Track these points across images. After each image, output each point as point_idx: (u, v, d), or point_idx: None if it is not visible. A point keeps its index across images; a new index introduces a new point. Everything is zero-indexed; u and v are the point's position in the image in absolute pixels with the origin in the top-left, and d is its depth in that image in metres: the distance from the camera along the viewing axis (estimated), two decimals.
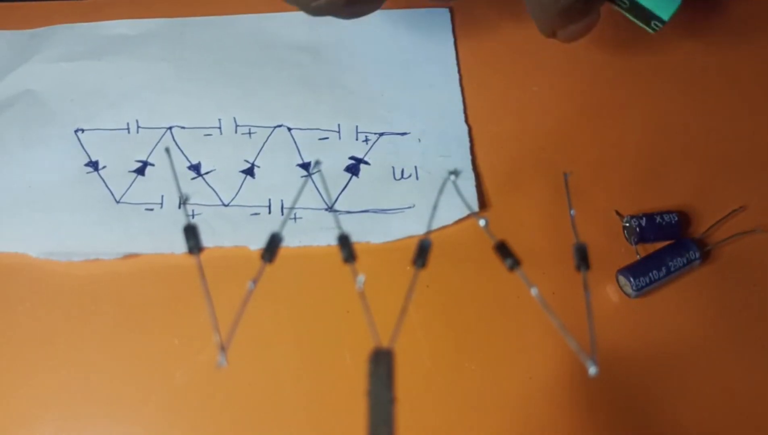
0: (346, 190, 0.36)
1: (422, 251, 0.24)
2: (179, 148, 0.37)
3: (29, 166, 0.36)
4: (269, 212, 0.35)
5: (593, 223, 0.35)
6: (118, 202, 0.35)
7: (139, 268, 0.34)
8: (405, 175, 0.37)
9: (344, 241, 0.24)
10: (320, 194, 0.36)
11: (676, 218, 0.34)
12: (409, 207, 0.36)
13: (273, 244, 0.24)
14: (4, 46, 0.40)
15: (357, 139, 0.37)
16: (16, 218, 0.35)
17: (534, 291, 0.24)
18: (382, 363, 0.21)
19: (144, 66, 0.39)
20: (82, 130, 0.37)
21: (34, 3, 0.41)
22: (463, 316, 0.33)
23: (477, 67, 0.40)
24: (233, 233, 0.35)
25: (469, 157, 0.37)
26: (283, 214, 0.35)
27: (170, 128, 0.37)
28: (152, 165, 0.36)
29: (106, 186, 0.36)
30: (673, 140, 0.38)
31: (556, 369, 0.32)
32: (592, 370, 0.21)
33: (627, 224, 0.35)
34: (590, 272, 0.25)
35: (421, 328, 0.33)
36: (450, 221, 0.35)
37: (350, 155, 0.37)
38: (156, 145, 0.37)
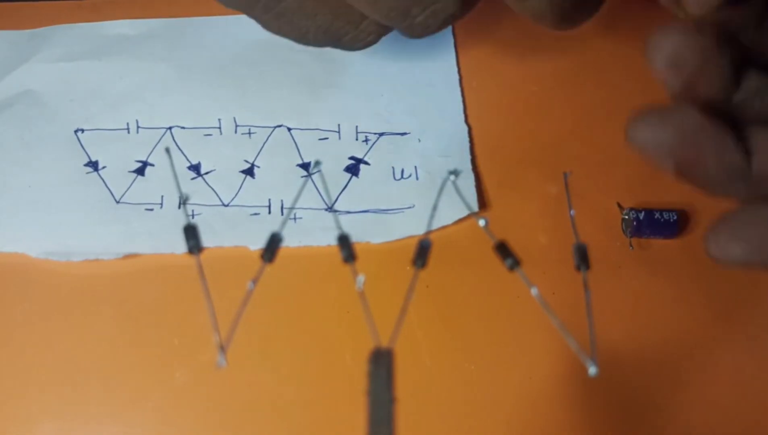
0: (346, 190, 0.36)
1: (422, 251, 0.24)
2: (179, 148, 0.37)
3: (29, 166, 0.36)
4: (269, 212, 0.35)
5: (593, 222, 0.36)
6: (117, 202, 0.35)
7: (139, 268, 0.34)
8: (405, 175, 0.37)
9: (344, 241, 0.24)
10: (320, 194, 0.36)
11: (676, 217, 0.35)
12: (409, 207, 0.36)
13: (273, 244, 0.24)
14: (4, 46, 0.40)
15: (357, 139, 0.37)
16: (15, 218, 0.35)
17: (534, 291, 0.24)
18: (382, 363, 0.21)
19: (144, 66, 0.39)
20: (82, 130, 0.37)
21: (34, 3, 0.41)
22: (463, 316, 0.33)
23: (477, 67, 0.40)
24: (233, 233, 0.35)
25: (469, 157, 0.37)
26: (283, 214, 0.35)
27: (170, 128, 0.37)
28: (152, 165, 0.36)
29: (106, 186, 0.36)
30: None
31: (556, 369, 0.32)
32: (592, 370, 0.22)
33: (626, 217, 0.35)
34: (590, 272, 0.25)
35: (421, 328, 0.33)
36: (450, 221, 0.35)
37: (350, 155, 0.37)
38: (156, 145, 0.37)
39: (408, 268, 0.31)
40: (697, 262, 0.35)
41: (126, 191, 0.36)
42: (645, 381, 0.33)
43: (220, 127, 0.37)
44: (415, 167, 0.37)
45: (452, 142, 0.37)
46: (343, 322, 0.33)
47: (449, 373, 0.32)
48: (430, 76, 0.39)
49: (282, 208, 0.36)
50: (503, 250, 0.24)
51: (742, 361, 0.33)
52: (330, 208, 0.36)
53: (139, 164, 0.36)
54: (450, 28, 0.41)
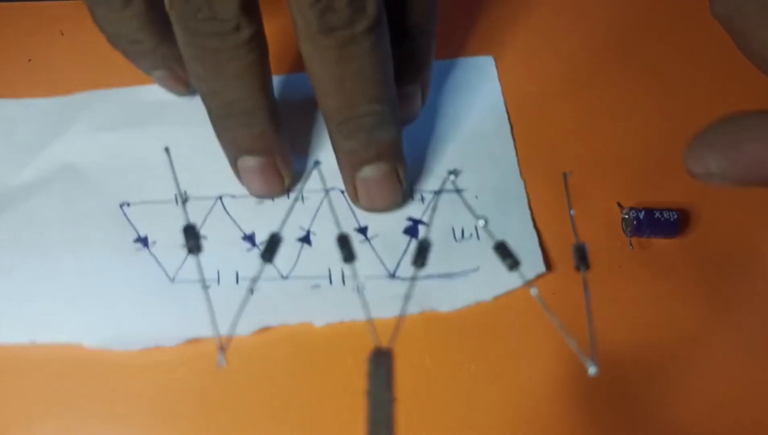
0: (406, 254, 0.35)
1: (422, 251, 0.24)
2: (232, 218, 0.36)
3: (74, 246, 0.35)
4: (330, 283, 0.34)
5: (593, 222, 0.35)
6: (172, 281, 0.34)
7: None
8: (466, 236, 0.35)
9: (344, 241, 0.24)
10: (380, 260, 0.35)
11: (676, 216, 0.34)
12: (474, 270, 0.34)
13: (273, 245, 0.24)
14: (37, 115, 0.39)
15: (413, 199, 0.36)
16: (65, 304, 0.33)
17: (534, 291, 0.24)
18: (382, 363, 0.21)
19: (189, 132, 0.38)
20: (128, 204, 0.36)
21: (34, 3, 0.41)
22: (462, 316, 0.33)
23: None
24: (296, 308, 0.33)
25: (528, 213, 0.36)
26: (344, 284, 0.34)
27: (220, 197, 0.36)
28: (205, 238, 0.35)
29: (159, 264, 0.34)
30: (675, 139, 0.38)
31: (556, 369, 0.32)
32: (592, 370, 0.21)
33: (626, 216, 0.35)
34: (590, 272, 0.25)
35: (421, 328, 0.33)
36: (518, 284, 0.33)
37: (408, 216, 0.36)
38: (207, 215, 0.36)
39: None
40: (698, 262, 0.35)
41: (180, 268, 0.34)
42: (645, 381, 0.32)
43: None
44: (476, 226, 0.35)
45: (510, 198, 0.36)
46: (344, 322, 0.33)
47: (449, 373, 0.32)
48: (481, 128, 0.38)
49: (343, 277, 0.34)
50: (503, 250, 0.24)
51: (743, 360, 0.32)
52: (393, 275, 0.34)
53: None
54: (495, 75, 0.41)
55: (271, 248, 0.24)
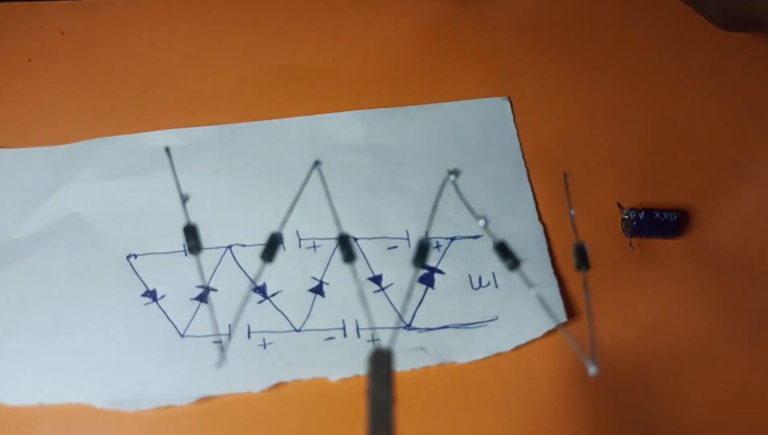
0: (422, 304, 0.34)
1: (422, 251, 0.24)
2: (241, 268, 0.34)
3: (81, 301, 0.34)
4: (344, 335, 0.33)
5: (593, 222, 0.35)
6: (182, 335, 0.33)
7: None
8: (483, 284, 0.34)
9: (344, 241, 0.24)
10: (396, 311, 0.33)
11: (676, 217, 0.34)
12: (492, 319, 0.33)
13: (273, 245, 0.24)
14: (39, 164, 0.37)
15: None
16: (73, 363, 0.32)
17: (534, 291, 0.25)
18: (382, 363, 0.21)
19: (195, 180, 0.37)
20: (135, 256, 0.35)
21: (34, 3, 0.43)
22: None
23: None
24: (310, 362, 0.32)
25: (548, 259, 0.35)
26: (359, 336, 0.33)
27: (230, 247, 0.35)
28: (215, 290, 0.34)
29: (168, 318, 0.33)
30: (676, 140, 0.39)
31: (556, 369, 0.32)
32: (592, 370, 0.22)
33: (626, 217, 0.35)
34: (590, 272, 0.25)
35: None
36: (538, 334, 0.33)
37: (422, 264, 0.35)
38: (217, 266, 0.34)
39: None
40: (697, 262, 0.35)
41: (190, 322, 0.33)
42: (645, 381, 0.33)
43: (282, 242, 0.35)
44: (493, 274, 0.34)
45: (528, 243, 0.35)
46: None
47: (450, 373, 0.33)
48: (498, 172, 0.37)
49: (357, 328, 0.33)
50: (503, 250, 0.24)
51: (742, 361, 0.33)
52: (408, 326, 0.33)
53: (201, 290, 0.34)
54: (511, 117, 0.39)
55: (270, 248, 0.24)
